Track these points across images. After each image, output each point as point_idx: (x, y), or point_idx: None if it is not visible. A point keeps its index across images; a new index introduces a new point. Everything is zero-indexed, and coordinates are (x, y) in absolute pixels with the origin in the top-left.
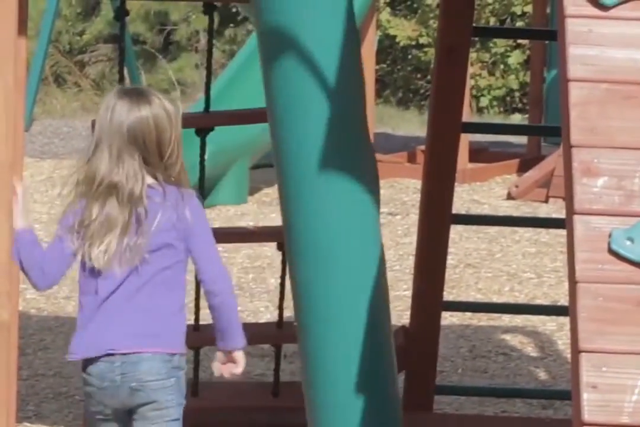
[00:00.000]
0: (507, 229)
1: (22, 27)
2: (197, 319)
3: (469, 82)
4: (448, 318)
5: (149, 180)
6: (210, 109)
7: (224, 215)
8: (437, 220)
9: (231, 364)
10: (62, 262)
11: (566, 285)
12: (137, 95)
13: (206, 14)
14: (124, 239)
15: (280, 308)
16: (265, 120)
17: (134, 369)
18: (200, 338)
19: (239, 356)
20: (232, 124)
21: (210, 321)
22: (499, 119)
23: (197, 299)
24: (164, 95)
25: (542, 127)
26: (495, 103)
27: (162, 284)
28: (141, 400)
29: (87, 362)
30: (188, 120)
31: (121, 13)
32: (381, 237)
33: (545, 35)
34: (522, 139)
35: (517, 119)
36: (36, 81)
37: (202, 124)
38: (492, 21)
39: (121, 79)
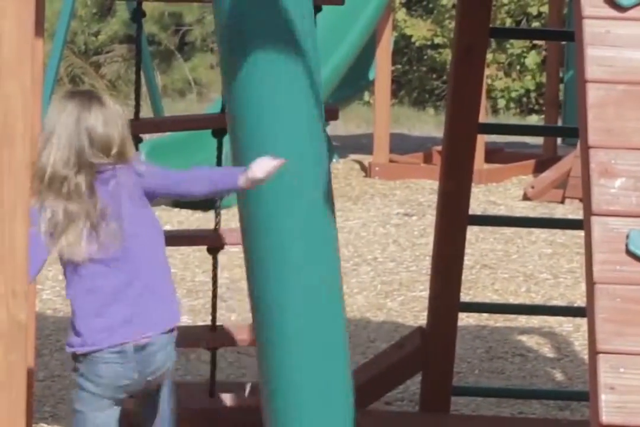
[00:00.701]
0: (523, 230)
1: (39, 28)
2: (214, 319)
3: (485, 83)
4: (464, 319)
5: (99, 167)
6: None
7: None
8: (453, 221)
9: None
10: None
11: (582, 286)
12: (87, 95)
13: None
14: (92, 229)
15: None
16: None
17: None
18: (217, 339)
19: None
20: None
21: (227, 322)
22: (514, 120)
23: (214, 298)
24: (111, 97)
25: (558, 128)
26: (511, 104)
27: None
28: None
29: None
30: (205, 121)
31: (138, 14)
32: (335, 236)
33: (563, 36)
34: (538, 140)
35: (533, 119)
36: (52, 82)
37: (219, 125)
38: (508, 22)
39: (138, 80)
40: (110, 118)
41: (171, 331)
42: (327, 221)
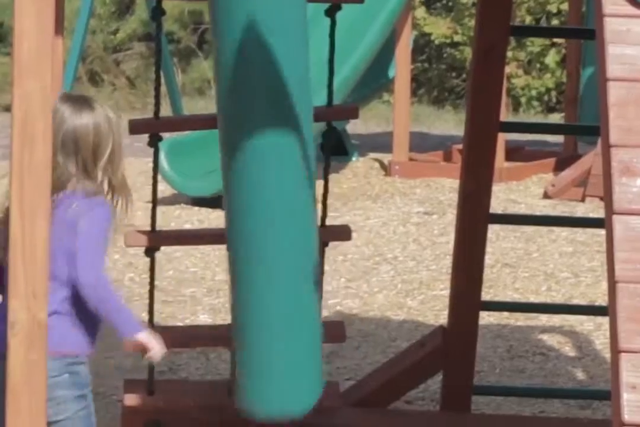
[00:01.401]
0: (543, 229)
1: (59, 26)
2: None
3: (505, 82)
4: (485, 318)
5: (69, 189)
6: None
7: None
8: (474, 219)
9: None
10: None
11: (603, 285)
12: (80, 101)
13: None
14: None
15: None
16: None
17: None
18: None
19: (144, 340)
20: None
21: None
22: (535, 118)
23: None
24: (106, 105)
25: (580, 127)
26: (531, 102)
27: None
28: None
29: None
30: None
31: (157, 12)
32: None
33: (583, 34)
34: (559, 138)
35: (553, 118)
36: (71, 80)
37: None
38: (528, 20)
39: (158, 78)
40: None
41: None
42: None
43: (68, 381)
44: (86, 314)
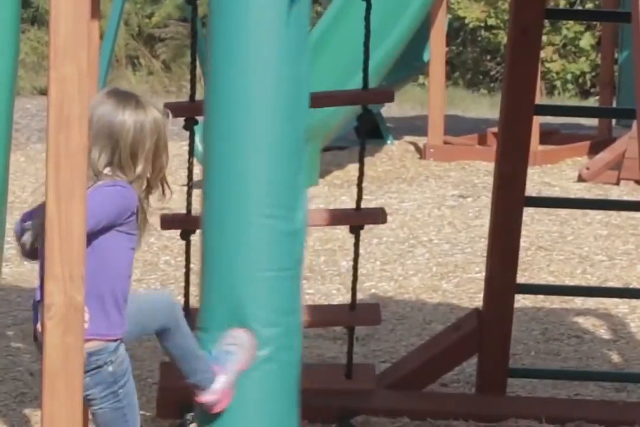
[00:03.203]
0: (578, 212)
1: (95, 10)
2: None
3: (540, 65)
4: (520, 301)
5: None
6: None
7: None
8: (510, 202)
9: None
10: None
11: (638, 267)
12: (127, 98)
13: None
14: None
15: (354, 290)
16: (337, 104)
17: None
18: None
19: None
20: None
21: None
22: (569, 102)
23: None
24: (154, 104)
25: (615, 110)
26: (566, 86)
27: None
28: None
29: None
30: None
31: None
32: None
33: (619, 17)
34: (593, 121)
35: (589, 101)
36: (106, 64)
37: None
38: (562, 3)
39: (193, 62)
40: None
41: None
42: None
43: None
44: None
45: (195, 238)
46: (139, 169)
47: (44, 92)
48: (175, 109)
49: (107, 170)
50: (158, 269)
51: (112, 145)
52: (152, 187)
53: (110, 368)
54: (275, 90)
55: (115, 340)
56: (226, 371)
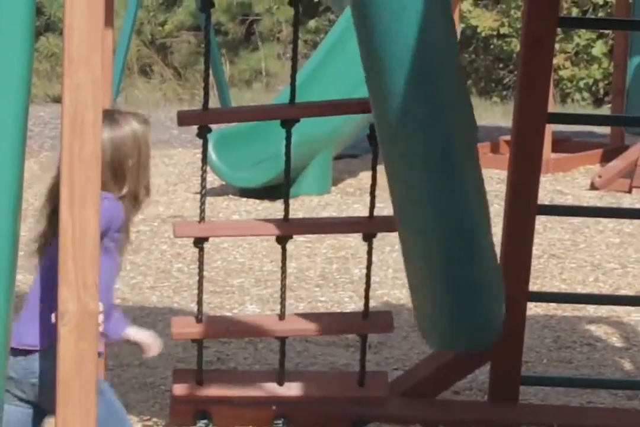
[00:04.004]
0: (590, 220)
1: (109, 17)
2: (282, 308)
3: (553, 73)
4: (532, 309)
5: None
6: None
7: (307, 205)
8: (522, 210)
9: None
10: None
11: None
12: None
13: (291, 5)
14: None
15: (366, 298)
16: (350, 112)
17: None
18: (286, 328)
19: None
20: (318, 116)
21: (295, 311)
22: (582, 110)
23: (283, 287)
24: (136, 116)
25: (627, 118)
26: (579, 94)
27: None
28: None
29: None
30: (274, 112)
31: (207, 4)
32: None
33: (631, 25)
34: (606, 129)
35: (601, 109)
36: (119, 71)
37: (288, 116)
38: (575, 12)
39: (207, 70)
40: None
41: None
42: None
43: None
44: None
45: (208, 246)
46: (125, 188)
47: (57, 99)
48: (189, 117)
49: None
50: (171, 276)
51: None
52: (140, 199)
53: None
54: None
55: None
56: None
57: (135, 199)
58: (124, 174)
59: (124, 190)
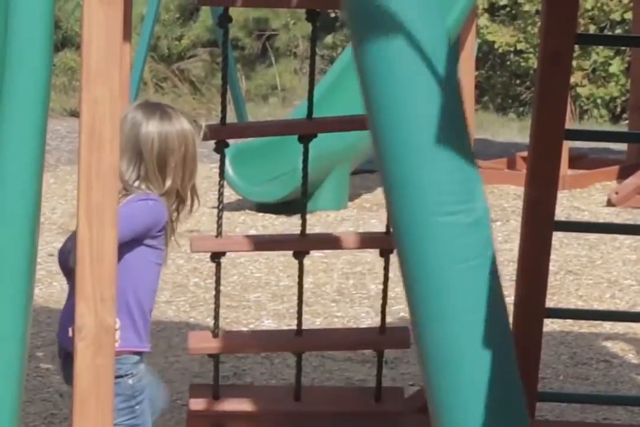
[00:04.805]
0: (607, 236)
1: (126, 32)
2: (299, 323)
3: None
4: (549, 325)
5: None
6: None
7: (324, 220)
8: (539, 227)
9: None
10: None
11: None
12: (153, 109)
13: (309, 21)
14: None
15: (383, 313)
16: (367, 128)
17: None
18: (302, 343)
19: None
20: (336, 131)
21: (312, 326)
22: (599, 127)
23: (300, 302)
24: (185, 114)
25: None
26: (596, 111)
27: None
28: None
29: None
30: (292, 127)
31: (224, 19)
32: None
33: None
34: (622, 146)
35: (618, 126)
36: (136, 86)
37: (306, 131)
38: (592, 29)
39: (224, 85)
40: None
41: None
42: None
43: None
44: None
45: (225, 260)
46: (168, 183)
47: (73, 113)
48: (205, 132)
49: (136, 184)
50: (187, 291)
51: (138, 158)
52: (183, 199)
53: (130, 380)
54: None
55: (139, 353)
56: None
57: (180, 199)
58: (167, 169)
59: (166, 187)
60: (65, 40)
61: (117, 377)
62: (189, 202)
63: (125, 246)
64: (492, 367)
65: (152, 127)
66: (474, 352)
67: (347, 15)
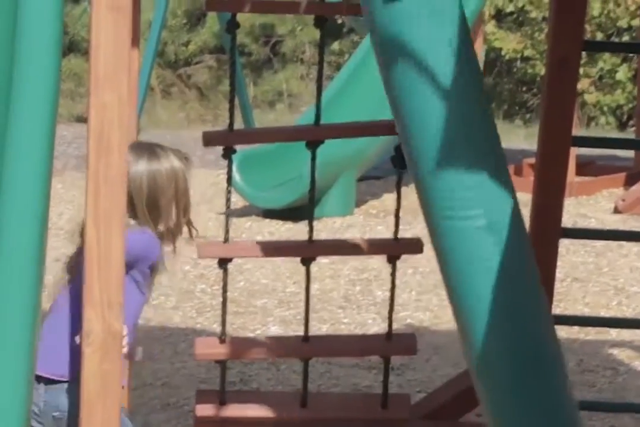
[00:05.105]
0: (614, 243)
1: (135, 38)
2: (306, 329)
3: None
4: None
5: None
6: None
7: (330, 227)
8: (546, 233)
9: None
10: None
11: None
12: (142, 149)
13: (317, 27)
14: None
15: (390, 320)
16: (374, 134)
17: None
18: (309, 349)
19: None
20: (343, 137)
21: (318, 333)
22: (606, 134)
23: (307, 308)
24: (177, 153)
25: None
26: (603, 118)
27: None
28: None
29: None
30: (301, 133)
31: (232, 25)
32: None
33: None
34: (629, 153)
35: (626, 133)
36: (143, 92)
37: (314, 137)
38: (599, 36)
39: (232, 91)
40: None
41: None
42: None
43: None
44: None
45: (232, 266)
46: (160, 227)
47: (80, 119)
48: (214, 138)
49: (133, 223)
50: (194, 297)
51: (130, 200)
52: (177, 234)
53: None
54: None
55: None
56: None
57: (173, 237)
58: (160, 210)
59: (161, 228)
60: (72, 45)
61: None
62: (186, 234)
63: None
64: None
65: (140, 168)
66: None
67: (376, 44)
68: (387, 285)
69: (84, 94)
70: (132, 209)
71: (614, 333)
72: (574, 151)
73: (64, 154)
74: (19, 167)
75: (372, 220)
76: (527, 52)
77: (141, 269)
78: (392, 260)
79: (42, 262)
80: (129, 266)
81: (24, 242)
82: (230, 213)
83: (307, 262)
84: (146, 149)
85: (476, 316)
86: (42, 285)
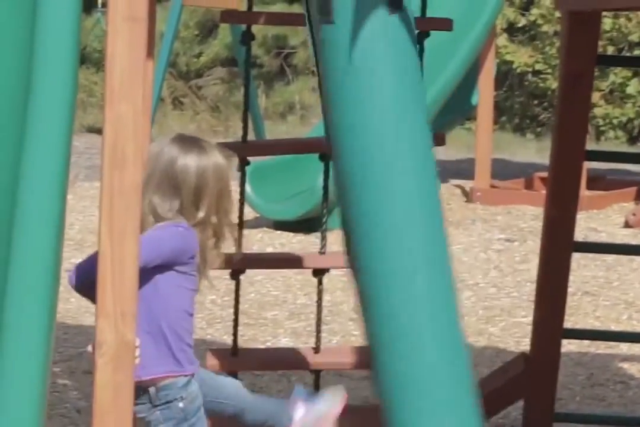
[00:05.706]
0: (624, 257)
1: (149, 50)
2: (317, 341)
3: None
4: (566, 346)
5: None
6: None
7: (341, 239)
8: (558, 247)
9: None
10: None
11: None
12: (190, 143)
13: None
14: None
15: None
16: None
17: None
18: (320, 361)
19: None
20: None
21: (329, 345)
22: (616, 148)
23: (318, 320)
24: (220, 149)
25: None
26: (612, 131)
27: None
28: None
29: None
30: (314, 145)
31: (247, 37)
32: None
33: None
34: None
35: (635, 147)
36: (155, 103)
37: (325, 149)
38: (610, 50)
39: (246, 103)
40: None
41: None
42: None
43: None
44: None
45: (242, 278)
46: (200, 214)
47: (91, 129)
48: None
49: (169, 215)
50: (204, 308)
51: (174, 192)
52: (220, 234)
53: (180, 404)
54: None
55: (185, 375)
56: (309, 407)
57: (214, 230)
58: (202, 202)
59: (198, 218)
60: (83, 56)
61: (166, 402)
62: (229, 240)
63: (156, 271)
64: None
65: (190, 162)
66: None
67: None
68: None
69: (95, 104)
70: (174, 202)
71: (624, 347)
72: (585, 165)
73: (75, 165)
74: (35, 178)
75: None
76: (538, 66)
77: (184, 261)
78: None
79: (57, 272)
80: (171, 260)
81: (40, 251)
82: (243, 225)
83: (319, 274)
84: (195, 143)
85: None
86: (57, 293)
